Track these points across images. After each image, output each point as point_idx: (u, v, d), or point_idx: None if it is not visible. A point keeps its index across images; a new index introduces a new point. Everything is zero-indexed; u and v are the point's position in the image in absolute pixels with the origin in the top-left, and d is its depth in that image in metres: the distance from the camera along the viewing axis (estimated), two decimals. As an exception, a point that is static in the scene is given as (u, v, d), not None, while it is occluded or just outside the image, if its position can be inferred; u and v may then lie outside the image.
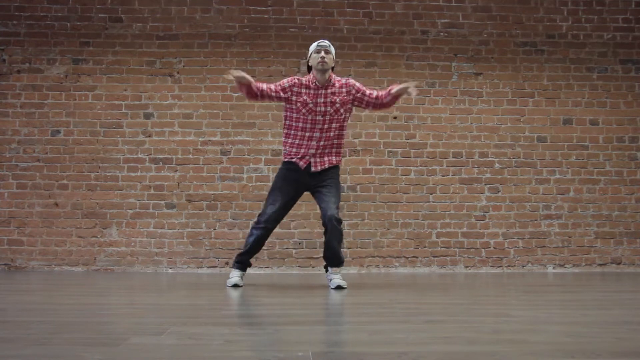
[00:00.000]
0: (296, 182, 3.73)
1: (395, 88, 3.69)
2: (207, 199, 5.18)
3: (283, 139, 3.80)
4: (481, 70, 5.44)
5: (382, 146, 5.31)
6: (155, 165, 5.20)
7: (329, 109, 3.67)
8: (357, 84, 3.80)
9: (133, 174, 5.18)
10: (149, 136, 5.22)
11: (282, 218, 3.77)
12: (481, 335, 2.03)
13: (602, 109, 5.47)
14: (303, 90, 3.68)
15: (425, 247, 5.25)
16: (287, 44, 5.35)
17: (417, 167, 5.31)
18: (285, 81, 3.75)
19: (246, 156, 5.23)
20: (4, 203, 5.10)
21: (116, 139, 5.20)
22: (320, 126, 3.67)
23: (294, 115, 3.70)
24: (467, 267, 5.26)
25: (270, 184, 5.17)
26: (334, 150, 3.74)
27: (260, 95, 3.71)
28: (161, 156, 5.21)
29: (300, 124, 3.69)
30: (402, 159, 5.31)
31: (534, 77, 5.46)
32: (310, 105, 3.66)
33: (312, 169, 3.69)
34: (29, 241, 5.09)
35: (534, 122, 5.42)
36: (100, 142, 5.20)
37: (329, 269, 3.78)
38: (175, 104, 5.26)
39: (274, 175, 5.20)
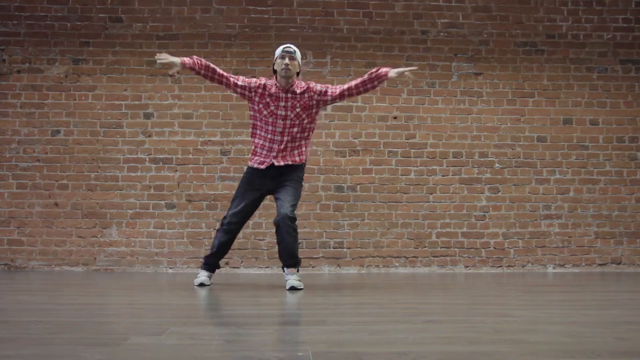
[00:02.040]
0: (260, 186, 3.75)
1: (391, 72, 3.64)
2: (207, 199, 5.18)
3: (250, 138, 3.85)
4: (481, 70, 5.44)
5: (382, 146, 5.31)
6: (155, 165, 5.20)
7: (289, 113, 3.69)
8: (317, 87, 3.77)
9: (133, 174, 5.18)
10: (149, 136, 5.22)
11: (245, 221, 3.83)
12: (481, 335, 2.03)
13: (602, 109, 5.47)
14: (266, 92, 3.71)
15: (425, 247, 5.25)
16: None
17: (417, 167, 5.31)
18: (253, 81, 3.77)
19: (246, 156, 5.23)
20: (4, 203, 5.10)
21: (116, 139, 5.20)
22: (280, 130, 3.69)
23: (257, 115, 3.75)
24: (467, 267, 5.26)
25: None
26: (295, 152, 3.76)
27: (210, 76, 3.74)
28: (161, 156, 5.21)
29: (263, 125, 3.72)
30: (402, 159, 5.31)
31: (534, 77, 5.46)
32: (272, 108, 3.69)
33: (275, 163, 3.70)
34: (29, 241, 5.09)
35: (534, 122, 5.42)
36: (100, 142, 5.20)
37: (285, 269, 3.74)
38: (175, 104, 5.26)
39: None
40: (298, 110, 3.68)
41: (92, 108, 5.22)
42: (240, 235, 5.12)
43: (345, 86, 3.75)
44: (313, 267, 5.14)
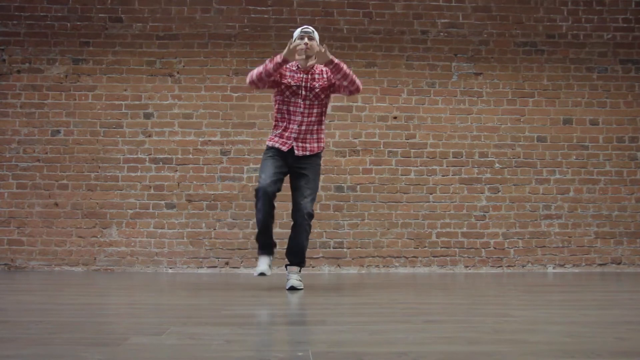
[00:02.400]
0: (281, 159, 3.68)
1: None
2: (207, 199, 5.18)
3: (272, 126, 3.79)
4: (481, 70, 5.44)
5: (382, 146, 5.31)
6: (155, 165, 5.20)
7: (309, 94, 3.67)
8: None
9: (133, 174, 5.18)
10: (149, 136, 5.22)
11: (276, 184, 3.58)
12: (481, 335, 2.03)
13: (602, 109, 5.47)
14: (287, 73, 3.70)
15: (425, 247, 5.25)
16: (287, 44, 5.33)
17: (417, 167, 5.31)
18: None
19: (246, 156, 5.23)
20: (4, 203, 5.10)
21: (116, 139, 5.20)
22: (301, 110, 3.67)
23: (279, 97, 3.72)
24: (467, 267, 5.25)
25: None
26: (315, 136, 3.72)
27: (268, 77, 3.64)
28: (161, 156, 5.21)
29: (285, 107, 3.69)
30: (402, 159, 5.31)
31: (534, 77, 5.46)
32: (294, 87, 3.67)
33: (295, 152, 3.66)
34: (29, 241, 5.09)
35: (534, 122, 5.41)
36: (100, 142, 5.20)
37: (288, 267, 3.70)
38: (175, 104, 5.26)
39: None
40: (317, 90, 3.68)
41: (92, 108, 5.22)
42: (240, 235, 5.15)
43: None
44: (313, 267, 5.13)
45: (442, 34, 5.44)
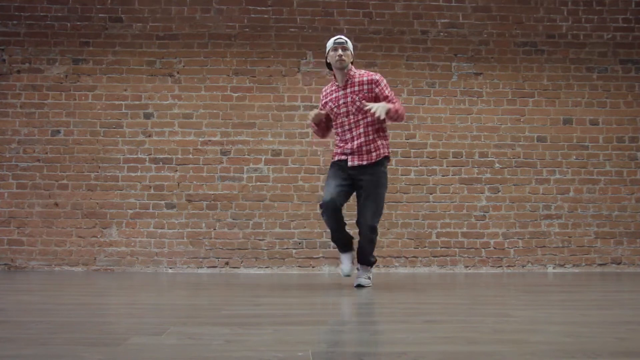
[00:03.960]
0: (343, 172, 3.71)
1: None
2: (207, 199, 5.18)
3: None
4: (481, 70, 5.44)
5: (382, 146, 5.30)
6: (155, 165, 5.20)
7: (350, 108, 3.65)
8: (383, 84, 3.66)
9: (133, 174, 5.18)
10: (149, 136, 5.22)
11: (338, 198, 3.62)
12: (481, 335, 2.03)
13: (602, 109, 5.47)
14: (328, 98, 3.76)
15: (425, 247, 5.25)
16: (287, 44, 5.35)
17: (417, 167, 5.31)
18: (321, 100, 3.86)
19: (246, 156, 5.23)
20: (4, 203, 5.10)
21: (116, 139, 5.20)
22: (348, 127, 3.68)
23: (333, 119, 3.79)
24: (467, 267, 5.25)
25: (270, 183, 5.21)
26: (372, 145, 3.66)
27: (319, 131, 3.88)
28: (161, 156, 5.21)
29: (339, 129, 3.75)
30: (402, 159, 5.31)
31: (534, 77, 5.46)
32: (335, 109, 3.71)
33: (349, 163, 3.67)
34: (29, 241, 5.09)
35: (534, 122, 5.42)
36: (100, 142, 5.20)
37: (359, 266, 3.86)
38: (175, 104, 5.26)
39: (274, 175, 5.22)
40: (358, 104, 3.62)
41: (92, 108, 5.22)
42: (240, 235, 5.15)
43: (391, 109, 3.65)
44: (313, 267, 5.14)
45: (442, 34, 5.44)
